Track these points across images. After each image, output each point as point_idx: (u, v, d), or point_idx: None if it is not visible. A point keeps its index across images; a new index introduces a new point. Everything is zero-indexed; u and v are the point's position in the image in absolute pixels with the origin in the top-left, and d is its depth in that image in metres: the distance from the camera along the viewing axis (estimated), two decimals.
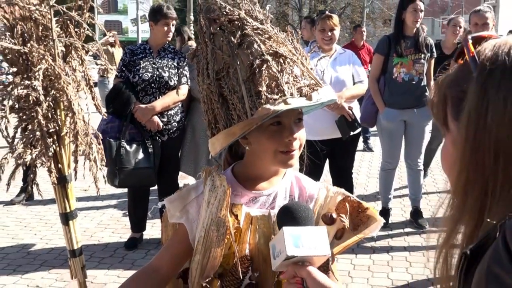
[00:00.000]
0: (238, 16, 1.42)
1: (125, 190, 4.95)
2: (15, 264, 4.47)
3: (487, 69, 0.75)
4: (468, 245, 0.74)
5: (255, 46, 1.38)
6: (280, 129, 1.41)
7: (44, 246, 4.86)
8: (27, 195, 5.95)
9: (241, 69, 1.38)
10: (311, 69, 1.49)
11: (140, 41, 18.47)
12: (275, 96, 1.35)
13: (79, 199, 5.95)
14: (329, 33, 4.55)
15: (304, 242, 1.18)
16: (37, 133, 1.19)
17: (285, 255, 1.16)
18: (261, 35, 1.41)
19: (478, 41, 0.81)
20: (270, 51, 1.39)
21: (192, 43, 6.92)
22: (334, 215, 1.46)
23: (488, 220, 0.72)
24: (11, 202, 6.03)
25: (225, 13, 1.43)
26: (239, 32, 1.41)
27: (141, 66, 4.51)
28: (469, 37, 0.81)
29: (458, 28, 5.96)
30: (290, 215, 1.26)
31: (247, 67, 1.37)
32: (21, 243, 4.97)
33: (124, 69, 4.56)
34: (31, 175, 1.26)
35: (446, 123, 0.83)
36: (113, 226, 5.39)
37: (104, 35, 10.33)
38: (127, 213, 5.08)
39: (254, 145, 1.45)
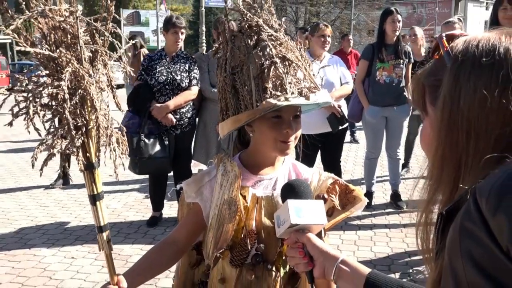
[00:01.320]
0: (256, 23, 1.43)
1: (147, 176, 4.96)
2: (54, 239, 4.49)
3: (459, 60, 0.76)
4: (443, 207, 0.76)
5: (268, 49, 1.39)
6: (279, 122, 1.42)
7: (78, 224, 4.88)
8: (62, 180, 5.98)
9: (253, 67, 1.39)
10: (313, 74, 1.50)
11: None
12: (278, 93, 1.36)
13: (108, 184, 5.97)
14: (328, 39, 4.60)
15: (305, 212, 1.18)
16: (65, 127, 1.19)
17: (289, 223, 1.17)
18: (274, 41, 1.42)
19: (451, 38, 0.82)
20: (279, 55, 1.40)
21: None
22: (325, 196, 1.46)
23: (461, 185, 0.73)
24: (50, 186, 6.06)
25: (246, 19, 1.44)
26: (255, 37, 1.42)
27: (157, 70, 4.52)
28: (443, 34, 0.82)
29: (413, 36, 6.14)
30: (293, 190, 1.26)
31: (258, 66, 1.38)
32: (58, 221, 4.99)
33: (143, 73, 4.58)
34: (62, 162, 1.26)
35: (425, 108, 0.84)
36: (137, 207, 5.41)
37: (134, 45, 10.32)
38: (148, 196, 5.10)
39: (257, 133, 1.47)
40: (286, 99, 1.35)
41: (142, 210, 5.26)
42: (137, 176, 5.40)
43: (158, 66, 4.54)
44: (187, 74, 4.59)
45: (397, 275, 3.58)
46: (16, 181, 6.51)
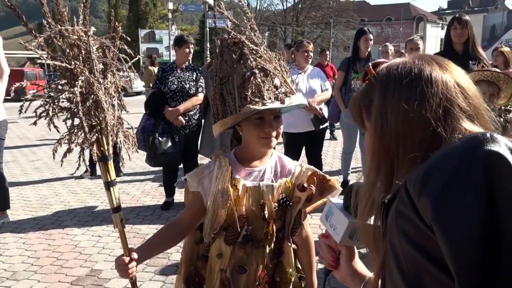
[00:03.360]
0: (239, 39, 1.43)
1: (161, 168, 4.95)
2: (83, 221, 4.46)
3: (384, 83, 0.78)
4: (380, 199, 0.77)
5: (248, 62, 1.39)
6: (262, 122, 1.43)
7: (104, 207, 4.85)
8: (90, 171, 5.92)
9: (237, 78, 1.39)
10: (291, 81, 1.48)
11: None
12: (257, 99, 1.36)
13: (129, 175, 5.95)
14: (310, 54, 4.61)
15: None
16: (80, 125, 1.18)
17: (345, 239, 0.99)
18: (255, 54, 1.41)
19: (376, 65, 0.84)
20: (259, 66, 1.39)
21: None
22: (305, 185, 1.45)
23: (396, 182, 0.75)
24: (80, 177, 6.01)
25: (231, 36, 1.45)
26: (238, 51, 1.42)
27: (169, 80, 4.51)
28: (370, 64, 0.85)
29: (385, 52, 5.93)
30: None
31: (241, 76, 1.38)
32: (87, 205, 4.96)
33: (158, 82, 4.58)
34: (80, 155, 1.26)
35: (363, 124, 0.86)
36: (153, 193, 5.37)
37: (149, 57, 10.30)
38: (162, 184, 5.07)
39: (245, 132, 1.48)
40: (264, 104, 1.35)
41: (157, 196, 5.23)
42: (153, 168, 5.39)
43: (170, 76, 4.53)
44: (194, 83, 4.59)
45: None
46: (51, 172, 6.47)
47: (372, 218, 0.81)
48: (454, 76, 0.77)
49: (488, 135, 0.64)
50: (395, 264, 0.68)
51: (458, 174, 0.61)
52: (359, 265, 1.04)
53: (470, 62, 3.49)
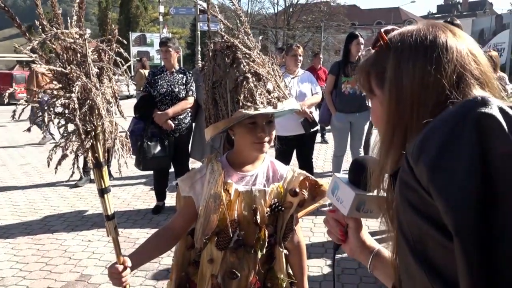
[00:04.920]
0: (233, 43, 1.41)
1: (152, 172, 4.91)
2: (73, 225, 4.42)
3: (399, 49, 0.79)
4: (393, 168, 0.79)
5: (241, 66, 1.37)
6: (255, 127, 1.41)
7: (94, 212, 4.81)
8: (85, 178, 5.76)
9: (230, 82, 1.38)
10: (285, 85, 1.48)
11: None
12: (249, 104, 1.34)
13: (119, 179, 5.90)
14: (299, 58, 4.63)
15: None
16: (76, 132, 1.16)
17: (353, 211, 0.99)
18: (248, 58, 1.40)
19: (387, 32, 0.84)
20: (252, 71, 1.38)
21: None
22: (298, 190, 1.45)
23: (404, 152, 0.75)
24: (75, 185, 5.81)
25: (224, 40, 1.43)
26: (232, 55, 1.40)
27: (158, 83, 4.50)
28: (382, 30, 0.85)
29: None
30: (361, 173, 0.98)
31: (234, 81, 1.37)
32: (77, 209, 4.91)
33: (147, 85, 4.56)
34: (74, 162, 1.24)
35: (372, 91, 0.86)
36: (144, 197, 5.34)
37: (140, 60, 10.25)
38: (153, 188, 5.04)
39: (237, 136, 1.47)
40: (256, 109, 1.34)
41: (148, 200, 5.20)
42: (144, 172, 5.35)
43: (159, 80, 4.52)
44: (184, 86, 4.56)
45: None
46: (41, 176, 6.41)
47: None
48: (467, 44, 0.78)
49: (480, 98, 0.65)
50: (400, 232, 0.69)
51: (452, 137, 0.63)
52: (367, 237, 1.05)
53: None
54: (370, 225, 0.89)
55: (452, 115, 0.66)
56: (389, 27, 0.86)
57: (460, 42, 0.78)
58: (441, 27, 0.80)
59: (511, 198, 0.58)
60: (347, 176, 1.05)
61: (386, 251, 1.02)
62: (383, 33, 0.83)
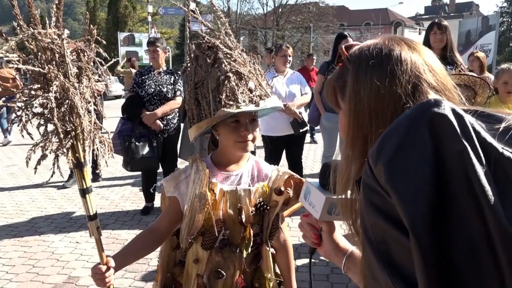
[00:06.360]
0: (214, 44, 1.42)
1: (140, 172, 4.88)
2: (60, 227, 4.38)
3: (357, 63, 0.82)
4: (358, 175, 0.81)
5: (223, 66, 1.38)
6: (238, 126, 1.42)
7: (82, 213, 4.76)
8: (72, 179, 5.69)
9: (211, 82, 1.39)
10: (267, 83, 1.48)
11: None
12: (231, 102, 1.35)
13: (108, 179, 5.86)
14: (289, 58, 4.63)
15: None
16: (55, 131, 1.15)
17: (324, 215, 1.01)
18: (229, 58, 1.41)
19: (348, 48, 0.87)
20: (233, 70, 1.39)
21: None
22: (282, 189, 1.45)
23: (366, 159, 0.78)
24: (63, 186, 5.78)
25: (205, 41, 1.44)
26: (213, 55, 1.41)
27: (146, 84, 4.47)
28: (342, 46, 0.88)
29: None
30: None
31: (216, 80, 1.37)
32: (65, 211, 4.87)
33: (135, 85, 4.53)
34: (54, 162, 1.23)
35: (338, 104, 0.90)
36: (132, 198, 5.31)
37: (129, 60, 10.22)
38: (142, 189, 5.01)
39: (221, 136, 1.47)
40: (238, 107, 1.34)
41: (137, 201, 5.17)
42: (132, 173, 5.30)
43: (147, 80, 4.49)
44: (172, 86, 4.54)
45: None
46: (27, 177, 6.33)
47: (349, 192, 0.85)
48: (422, 55, 0.81)
49: (433, 100, 0.67)
50: (365, 235, 0.71)
51: (407, 138, 0.65)
52: (341, 240, 1.08)
53: (448, 67, 3.56)
54: (345, 227, 0.90)
55: (407, 117, 0.68)
56: (351, 43, 0.89)
57: (415, 54, 0.81)
58: (397, 41, 0.83)
59: (463, 195, 0.59)
60: (317, 180, 1.06)
61: (360, 253, 1.03)
62: (343, 49, 0.87)
